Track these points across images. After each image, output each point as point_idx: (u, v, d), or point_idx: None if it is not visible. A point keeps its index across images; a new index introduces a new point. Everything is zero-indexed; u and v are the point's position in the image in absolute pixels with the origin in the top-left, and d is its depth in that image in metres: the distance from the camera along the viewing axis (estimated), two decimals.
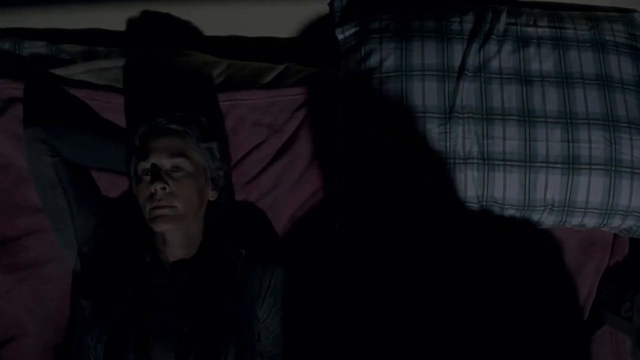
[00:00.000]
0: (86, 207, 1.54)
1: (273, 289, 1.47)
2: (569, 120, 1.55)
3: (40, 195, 1.54)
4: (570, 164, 1.54)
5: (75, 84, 1.64)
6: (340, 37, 1.65)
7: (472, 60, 1.58)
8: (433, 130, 1.54)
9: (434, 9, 1.65)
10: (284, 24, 1.76)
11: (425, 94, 1.55)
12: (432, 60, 1.57)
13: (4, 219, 1.62)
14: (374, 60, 1.58)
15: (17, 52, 1.71)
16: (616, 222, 1.59)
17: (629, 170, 1.54)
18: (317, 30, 1.74)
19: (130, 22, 1.76)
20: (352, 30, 1.64)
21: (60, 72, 1.65)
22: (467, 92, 1.56)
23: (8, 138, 1.62)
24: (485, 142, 1.54)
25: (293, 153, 1.65)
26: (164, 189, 1.38)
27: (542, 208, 1.57)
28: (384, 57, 1.58)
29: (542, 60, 1.59)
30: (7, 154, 1.62)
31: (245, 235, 1.57)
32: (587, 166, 1.54)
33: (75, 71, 1.66)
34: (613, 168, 1.54)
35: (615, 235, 1.69)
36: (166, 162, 1.41)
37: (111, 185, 1.63)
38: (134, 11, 1.74)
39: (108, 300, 1.41)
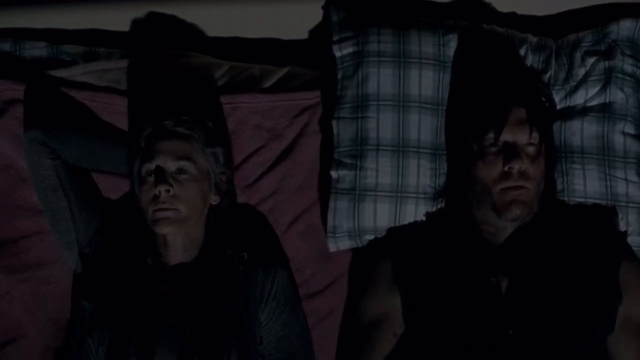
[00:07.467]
0: (87, 208, 1.54)
1: (275, 293, 1.48)
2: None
3: (40, 197, 1.54)
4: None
5: (76, 86, 1.63)
6: (337, 54, 1.60)
7: None
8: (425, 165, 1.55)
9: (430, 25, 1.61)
10: (287, 25, 1.76)
11: (420, 129, 1.55)
12: (429, 92, 1.57)
13: (5, 220, 1.61)
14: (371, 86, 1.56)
15: (18, 52, 1.70)
16: None
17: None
18: (319, 32, 1.74)
19: (132, 22, 1.75)
20: (350, 50, 1.59)
21: (60, 73, 1.64)
22: None
23: (9, 139, 1.61)
24: None
25: (293, 159, 1.65)
26: (168, 191, 1.39)
27: None
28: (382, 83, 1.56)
29: None
30: (7, 155, 1.62)
31: (247, 238, 1.58)
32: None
33: (75, 72, 1.65)
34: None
35: None
36: (171, 165, 1.41)
37: (112, 187, 1.63)
38: (135, 12, 1.74)
39: (109, 302, 1.41)
